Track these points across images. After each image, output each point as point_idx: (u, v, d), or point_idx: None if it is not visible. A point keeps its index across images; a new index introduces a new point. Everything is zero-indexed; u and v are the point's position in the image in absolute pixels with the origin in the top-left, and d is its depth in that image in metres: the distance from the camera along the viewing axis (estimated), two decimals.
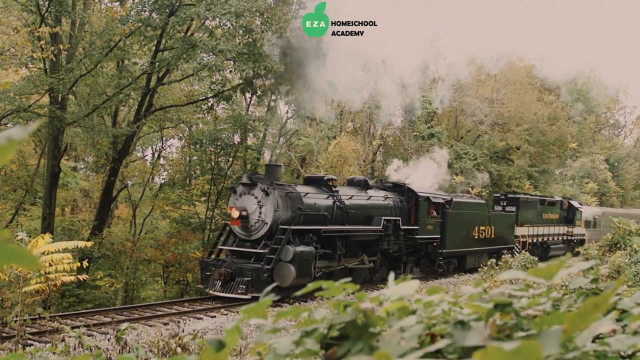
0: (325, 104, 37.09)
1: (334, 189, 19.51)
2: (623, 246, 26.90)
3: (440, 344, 1.25)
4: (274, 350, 1.37)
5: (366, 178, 22.23)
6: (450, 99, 40.78)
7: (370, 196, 20.73)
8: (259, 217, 17.08)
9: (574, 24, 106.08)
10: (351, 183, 21.74)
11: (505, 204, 31.38)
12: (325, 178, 19.95)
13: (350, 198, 19.63)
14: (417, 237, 22.14)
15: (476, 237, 25.63)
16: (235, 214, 16.99)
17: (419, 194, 22.41)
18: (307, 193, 18.17)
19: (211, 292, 16.52)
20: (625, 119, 79.14)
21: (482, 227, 25.95)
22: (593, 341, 1.29)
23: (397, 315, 1.41)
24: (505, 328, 1.34)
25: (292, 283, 15.95)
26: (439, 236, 23.30)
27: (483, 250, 26.47)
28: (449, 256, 24.24)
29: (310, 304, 16.01)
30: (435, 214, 23.17)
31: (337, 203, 19.00)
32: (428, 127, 42.35)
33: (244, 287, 15.97)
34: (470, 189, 37.85)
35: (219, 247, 18.36)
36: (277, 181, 17.94)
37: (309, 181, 20.11)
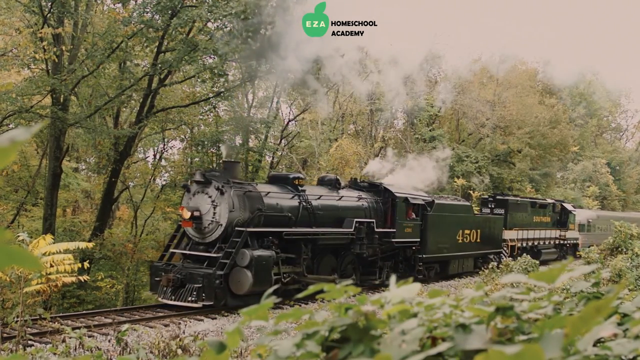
0: (327, 104, 37.09)
1: (300, 188, 17.95)
2: (624, 250, 26.93)
3: (442, 347, 1.25)
4: (275, 353, 1.37)
5: (337, 177, 20.62)
6: (452, 100, 40.81)
7: (342, 196, 19.25)
8: (213, 218, 15.68)
9: (577, 28, 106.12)
10: (321, 182, 20.23)
11: (493, 206, 29.96)
12: (291, 176, 18.35)
13: (318, 198, 18.19)
14: (393, 240, 20.56)
15: (460, 241, 24.14)
16: (187, 214, 15.64)
17: (396, 194, 20.89)
18: (268, 192, 16.77)
19: (160, 299, 15.20)
20: (627, 123, 79.34)
21: (466, 231, 24.49)
22: (594, 345, 1.29)
23: (398, 318, 1.41)
24: (506, 331, 1.33)
25: (249, 290, 14.84)
26: (419, 240, 21.75)
27: (468, 255, 25.08)
28: (430, 261, 22.69)
29: (311, 306, 15.93)
30: (414, 216, 21.60)
31: (304, 203, 17.56)
32: (430, 130, 42.40)
33: (195, 294, 14.68)
34: (471, 192, 37.88)
35: (171, 250, 16.81)
36: (235, 179, 16.45)
37: (274, 180, 18.56)
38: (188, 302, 14.64)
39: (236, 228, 15.43)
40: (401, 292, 1.47)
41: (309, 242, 17.45)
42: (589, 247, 30.42)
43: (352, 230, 18.53)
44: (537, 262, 22.03)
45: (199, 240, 16.02)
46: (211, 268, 14.91)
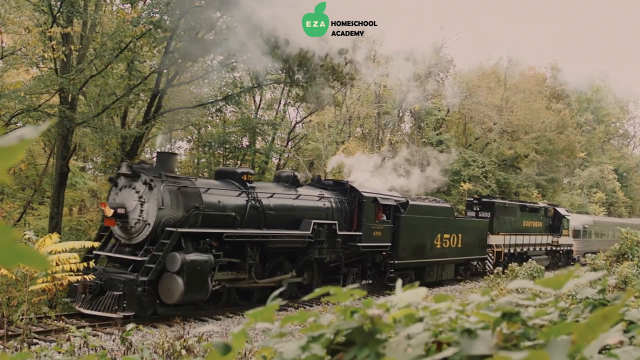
0: (334, 111, 37.13)
1: (249, 184, 16.13)
2: (631, 257, 26.81)
3: (447, 352, 1.25)
4: (280, 355, 1.37)
5: (295, 173, 18.83)
6: (459, 103, 40.80)
7: (299, 195, 17.43)
8: (140, 216, 13.93)
9: (586, 34, 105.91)
10: (278, 179, 18.56)
11: (478, 209, 28.16)
12: (239, 172, 16.40)
13: (270, 196, 16.38)
14: (359, 244, 18.83)
15: (439, 246, 22.37)
16: (109, 212, 13.85)
17: (363, 194, 19.09)
18: (208, 188, 15.00)
19: (77, 307, 13.55)
20: (634, 129, 79.21)
21: (445, 235, 22.70)
22: (600, 352, 1.29)
23: (404, 322, 1.41)
24: (512, 337, 1.33)
25: (181, 299, 13.28)
26: (389, 244, 20.01)
27: (447, 262, 23.30)
28: (403, 268, 20.85)
29: (317, 308, 15.89)
30: (385, 218, 19.84)
31: (252, 202, 15.75)
32: (437, 134, 42.38)
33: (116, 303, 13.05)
34: (476, 196, 37.82)
35: (95, 252, 14.65)
36: (170, 172, 14.66)
37: (220, 175, 16.71)
38: (111, 311, 12.99)
39: (166, 228, 13.70)
40: (407, 296, 1.47)
41: (256, 245, 15.69)
42: (584, 254, 29.85)
43: (309, 232, 16.76)
44: (543, 267, 21.67)
45: (126, 241, 14.38)
46: (134, 273, 13.30)
